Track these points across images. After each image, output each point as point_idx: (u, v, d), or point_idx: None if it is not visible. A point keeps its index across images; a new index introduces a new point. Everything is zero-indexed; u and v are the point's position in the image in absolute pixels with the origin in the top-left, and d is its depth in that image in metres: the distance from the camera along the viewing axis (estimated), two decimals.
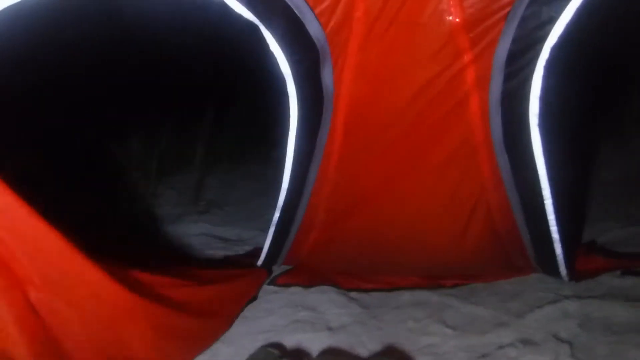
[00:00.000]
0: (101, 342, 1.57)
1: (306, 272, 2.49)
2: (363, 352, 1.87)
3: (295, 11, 1.71)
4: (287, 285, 2.36)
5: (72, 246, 1.43)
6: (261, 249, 2.47)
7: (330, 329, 2.01)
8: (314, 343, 1.92)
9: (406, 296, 2.27)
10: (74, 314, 1.49)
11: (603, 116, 4.06)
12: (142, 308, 1.63)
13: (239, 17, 1.66)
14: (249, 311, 2.18)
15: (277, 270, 2.56)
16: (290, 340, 1.94)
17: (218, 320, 2.03)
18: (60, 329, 1.45)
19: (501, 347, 1.83)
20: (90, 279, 1.48)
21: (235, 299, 2.19)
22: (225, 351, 1.90)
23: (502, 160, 1.98)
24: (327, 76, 1.91)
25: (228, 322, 2.06)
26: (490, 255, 2.31)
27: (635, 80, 3.60)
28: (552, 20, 1.64)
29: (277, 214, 2.21)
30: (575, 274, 2.24)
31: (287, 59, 1.79)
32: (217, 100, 4.60)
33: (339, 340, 1.93)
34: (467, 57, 1.86)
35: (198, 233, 3.19)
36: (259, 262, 2.48)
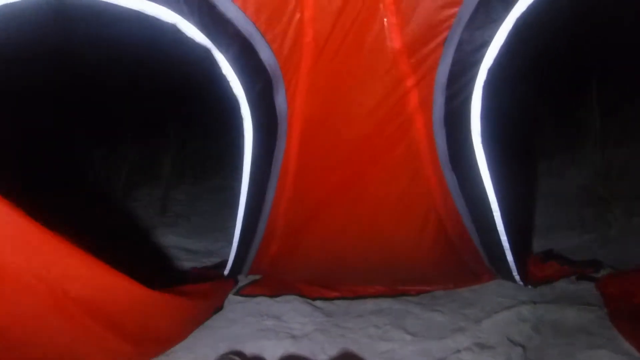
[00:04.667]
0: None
1: (272, 282, 2.51)
2: (323, 358, 1.90)
3: (247, 37, 1.75)
4: (252, 295, 2.38)
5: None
6: (227, 260, 2.49)
7: (293, 337, 2.03)
8: (276, 350, 1.94)
9: (369, 304, 2.31)
10: None
11: (560, 129, 4.22)
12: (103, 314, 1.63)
13: (191, 40, 1.68)
14: (213, 321, 2.18)
15: (243, 280, 2.58)
16: (252, 348, 1.96)
17: (178, 330, 2.03)
18: None
19: (457, 351, 1.88)
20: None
21: (201, 310, 2.19)
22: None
23: (450, 177, 2.06)
24: (280, 99, 1.97)
25: (188, 332, 2.07)
26: (447, 261, 2.38)
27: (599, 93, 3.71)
28: (485, 44, 1.73)
29: (238, 229, 2.25)
30: (529, 279, 2.32)
31: (240, 82, 1.83)
32: (181, 116, 4.64)
33: (301, 348, 1.96)
34: (409, 82, 1.93)
35: (166, 245, 3.18)
36: (225, 272, 2.50)
